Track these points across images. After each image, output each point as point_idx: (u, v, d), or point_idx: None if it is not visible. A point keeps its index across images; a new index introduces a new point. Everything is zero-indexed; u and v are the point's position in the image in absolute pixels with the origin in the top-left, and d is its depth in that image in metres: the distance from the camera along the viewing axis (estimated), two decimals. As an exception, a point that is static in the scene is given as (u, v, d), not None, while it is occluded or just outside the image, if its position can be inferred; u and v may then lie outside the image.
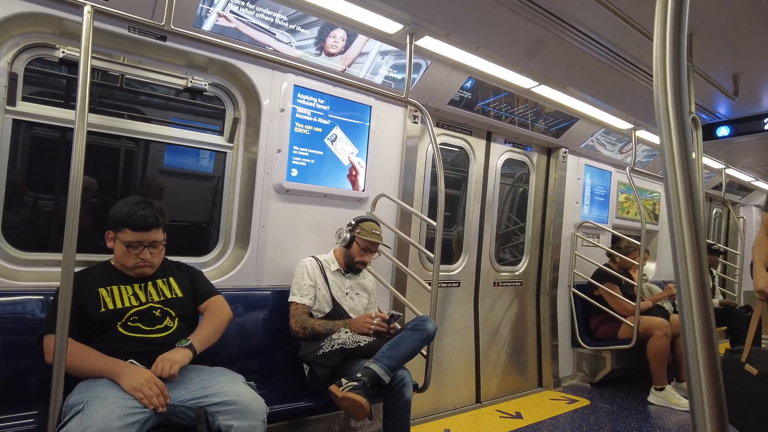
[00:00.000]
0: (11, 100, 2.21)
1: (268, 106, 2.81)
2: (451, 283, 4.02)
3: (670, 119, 0.70)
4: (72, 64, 2.32)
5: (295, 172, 2.91)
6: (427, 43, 2.88)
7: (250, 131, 2.86)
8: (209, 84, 2.71)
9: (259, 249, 2.83)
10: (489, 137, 4.26)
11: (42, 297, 2.17)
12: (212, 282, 2.42)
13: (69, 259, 1.61)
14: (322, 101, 3.01)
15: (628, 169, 4.57)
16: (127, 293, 2.05)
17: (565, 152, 4.67)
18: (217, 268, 2.78)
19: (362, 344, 2.43)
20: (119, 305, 2.00)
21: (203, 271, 2.53)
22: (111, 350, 1.88)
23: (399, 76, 3.18)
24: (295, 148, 2.91)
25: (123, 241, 2.02)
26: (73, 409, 1.66)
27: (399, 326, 2.62)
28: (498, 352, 4.36)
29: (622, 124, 4.45)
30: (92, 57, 1.73)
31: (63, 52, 2.27)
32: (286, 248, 2.92)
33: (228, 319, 2.20)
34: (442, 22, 2.70)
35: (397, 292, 3.11)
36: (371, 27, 2.73)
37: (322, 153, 3.02)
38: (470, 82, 3.47)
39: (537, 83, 3.53)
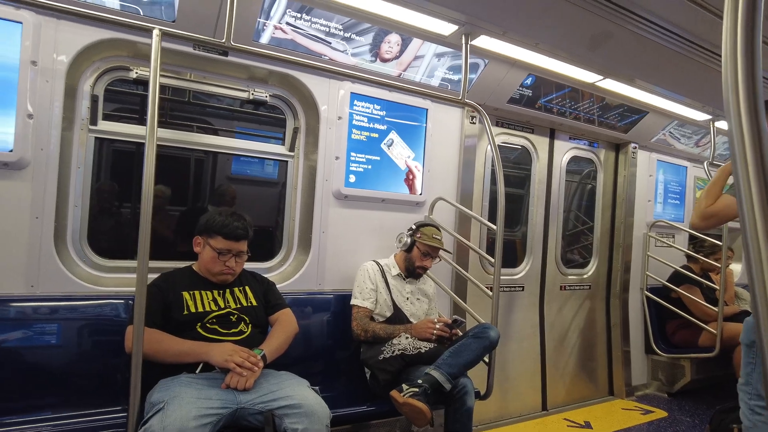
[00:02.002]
0: (94, 120, 2.41)
1: (326, 115, 2.87)
2: (515, 287, 3.91)
3: (740, 103, 0.63)
4: (144, 83, 2.48)
5: (353, 178, 2.95)
6: (484, 42, 2.83)
7: (309, 140, 2.93)
8: (270, 95, 2.81)
9: (320, 254, 2.89)
10: (552, 134, 4.11)
11: (122, 301, 2.34)
12: (278, 286, 2.52)
13: (143, 263, 1.73)
14: (378, 107, 3.03)
15: (706, 163, 4.26)
16: (208, 298, 2.19)
17: (635, 148, 4.42)
18: (281, 273, 2.87)
19: (423, 351, 2.41)
20: (200, 309, 2.14)
21: (268, 276, 2.63)
22: None
23: (456, 78, 3.14)
24: (353, 154, 2.95)
25: (214, 247, 2.17)
26: (155, 407, 1.79)
27: (460, 332, 2.58)
28: (565, 358, 4.19)
29: (699, 116, 4.15)
30: (162, 75, 1.85)
31: (137, 72, 2.43)
32: (346, 253, 2.96)
33: (295, 333, 2.31)
34: (498, 20, 2.64)
35: (457, 297, 3.07)
36: (426, 30, 2.72)
37: (378, 158, 3.04)
38: (530, 78, 3.37)
39: (601, 77, 3.37)
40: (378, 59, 2.85)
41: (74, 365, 2.19)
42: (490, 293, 2.67)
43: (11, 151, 2.12)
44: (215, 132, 2.96)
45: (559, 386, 4.10)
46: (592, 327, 4.41)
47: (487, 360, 2.62)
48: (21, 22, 2.11)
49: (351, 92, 2.91)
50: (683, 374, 4.21)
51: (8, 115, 2.11)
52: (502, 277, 2.69)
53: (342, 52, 2.74)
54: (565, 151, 4.21)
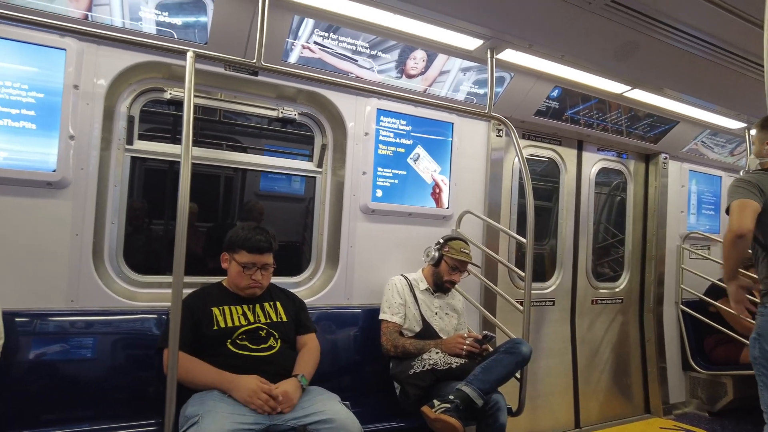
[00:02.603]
0: (130, 140, 2.50)
1: (353, 131, 2.91)
2: (545, 301, 3.84)
3: None
4: (177, 103, 2.57)
5: (379, 193, 2.97)
6: (509, 55, 2.84)
7: (337, 155, 2.97)
8: (299, 113, 2.86)
9: (347, 268, 2.90)
10: (580, 146, 4.06)
11: (156, 316, 2.39)
12: (305, 301, 2.55)
13: (178, 280, 1.75)
14: (404, 122, 3.06)
15: (742, 172, 4.13)
16: (237, 313, 2.21)
17: (666, 158, 4.33)
18: (310, 287, 2.89)
19: (454, 366, 2.39)
20: (230, 324, 2.17)
21: (296, 291, 2.66)
22: (221, 365, 2.05)
23: (481, 91, 3.15)
24: (380, 169, 2.98)
25: (239, 262, 2.22)
26: (189, 420, 1.83)
27: (491, 348, 2.54)
28: (598, 374, 4.08)
29: (733, 124, 4.05)
30: (195, 95, 1.90)
31: (170, 93, 2.52)
32: (374, 267, 2.97)
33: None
34: (524, 33, 2.65)
35: (486, 312, 3.03)
36: (451, 45, 2.75)
37: (405, 173, 3.06)
38: (557, 91, 3.35)
39: (629, 87, 3.34)
40: (404, 75, 2.89)
41: (110, 378, 2.24)
42: (521, 308, 2.63)
43: (54, 171, 2.21)
44: (244, 150, 3.03)
45: (592, 403, 3.98)
46: (626, 342, 4.29)
47: (518, 376, 2.57)
48: (65, 49, 2.22)
49: (377, 108, 2.95)
50: (725, 392, 4.03)
51: (52, 137, 2.21)
52: (532, 292, 2.64)
53: (368, 69, 2.78)
54: (594, 163, 4.15)
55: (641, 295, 4.38)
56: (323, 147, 2.96)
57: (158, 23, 2.31)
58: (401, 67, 2.85)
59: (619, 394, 4.16)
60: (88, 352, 2.24)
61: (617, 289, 4.30)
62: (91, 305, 2.31)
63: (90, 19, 2.21)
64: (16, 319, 2.11)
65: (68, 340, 2.22)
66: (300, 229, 3.25)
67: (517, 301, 2.75)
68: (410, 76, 2.90)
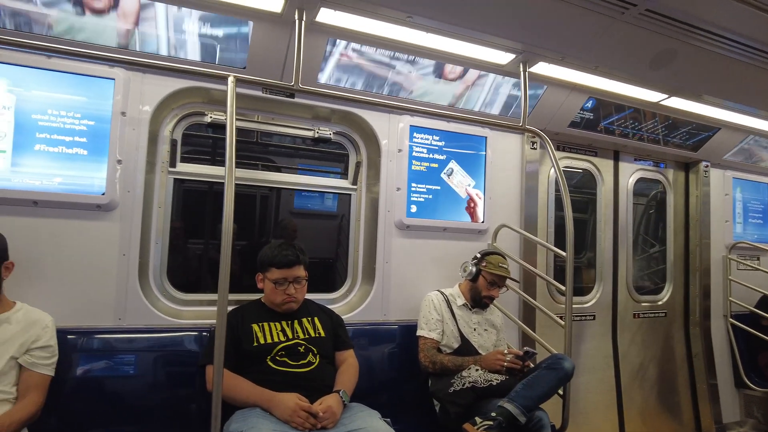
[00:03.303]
0: (173, 162, 2.61)
1: (386, 148, 2.94)
2: (585, 316, 3.75)
3: None
4: (217, 126, 2.67)
5: (414, 209, 2.98)
6: (542, 68, 2.83)
7: (371, 173, 3.01)
8: (333, 133, 2.92)
9: (384, 284, 2.91)
10: (617, 156, 3.99)
11: (197, 333, 2.45)
12: (343, 317, 2.57)
13: (223, 298, 1.79)
14: (437, 137, 3.08)
15: None
16: (276, 329, 2.25)
17: (707, 166, 4.20)
18: (347, 303, 2.91)
19: (494, 383, 2.35)
20: (269, 340, 2.20)
21: (333, 307, 2.69)
22: (262, 381, 2.08)
23: (515, 103, 3.14)
24: (414, 184, 3.00)
25: (271, 279, 2.27)
26: None
27: (532, 364, 2.49)
28: (643, 391, 3.93)
29: (780, 128, 3.90)
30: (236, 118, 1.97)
31: (211, 117, 2.62)
32: (410, 283, 2.97)
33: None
34: (556, 46, 2.64)
35: (526, 327, 2.98)
36: (483, 61, 2.76)
37: (439, 188, 3.06)
38: (591, 102, 3.32)
39: (666, 96, 3.26)
40: (442, 79, 2.90)
41: (154, 395, 2.30)
42: (562, 322, 2.57)
43: (103, 194, 2.31)
44: (278, 169, 3.10)
45: (638, 421, 3.83)
46: (671, 357, 4.13)
47: (561, 392, 2.51)
48: (114, 79, 2.34)
49: (410, 125, 2.98)
50: (784, 410, 3.83)
51: (102, 161, 2.32)
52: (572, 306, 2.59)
53: (407, 74, 2.80)
54: (631, 173, 4.06)
55: (686, 309, 4.22)
56: (358, 164, 3.00)
57: (199, 50, 2.41)
58: (440, 72, 2.86)
59: (666, 413, 3.99)
60: (134, 369, 2.30)
61: (660, 302, 4.15)
62: (137, 323, 2.38)
63: (136, 48, 2.33)
64: (68, 336, 2.19)
65: (116, 356, 2.29)
66: (333, 245, 3.28)
67: (557, 316, 2.69)
68: (449, 80, 2.92)
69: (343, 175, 3.09)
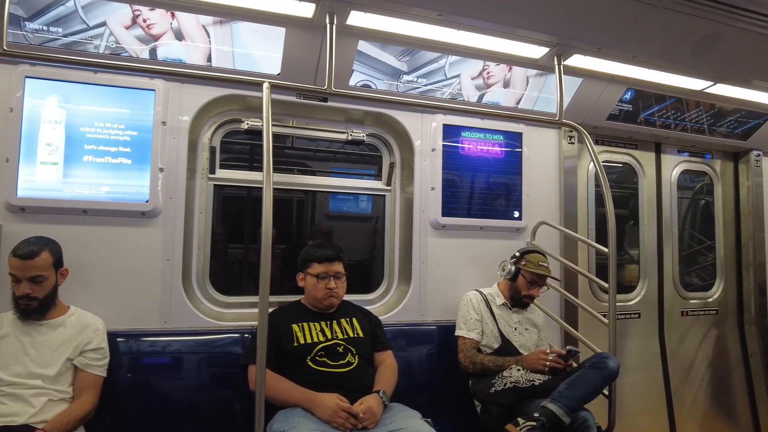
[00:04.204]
0: (212, 169, 2.69)
1: (419, 148, 2.93)
2: (630, 314, 3.63)
3: None
4: (253, 133, 2.72)
5: (449, 208, 2.96)
6: (577, 61, 2.77)
7: (405, 173, 3.01)
8: (367, 134, 2.94)
9: (421, 284, 2.90)
10: (658, 149, 3.85)
11: (238, 335, 2.50)
12: (380, 318, 2.58)
13: (264, 299, 1.82)
14: (471, 135, 3.04)
15: None
16: (315, 329, 2.28)
17: (758, 155, 4.00)
18: (384, 304, 2.91)
19: (536, 383, 2.31)
20: (309, 340, 2.23)
21: (371, 308, 2.71)
22: (302, 381, 2.11)
23: (551, 98, 3.08)
24: (448, 184, 2.97)
25: (312, 274, 2.32)
26: None
27: (575, 364, 2.43)
28: (694, 392, 3.77)
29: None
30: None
31: (247, 123, 2.68)
32: (447, 283, 2.95)
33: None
34: (591, 37, 2.58)
35: (568, 326, 2.91)
36: (515, 55, 2.73)
37: (475, 186, 3.03)
38: (629, 93, 3.23)
39: (711, 83, 3.14)
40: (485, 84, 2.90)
41: (198, 395, 2.37)
42: (606, 321, 2.50)
43: (147, 201, 2.40)
44: (313, 172, 3.14)
45: (690, 424, 3.68)
46: (724, 357, 3.94)
47: (606, 392, 2.44)
48: (154, 90, 2.43)
49: (443, 124, 2.96)
50: None
51: (145, 170, 2.41)
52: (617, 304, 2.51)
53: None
54: (674, 166, 3.91)
55: (739, 306, 4.02)
56: (391, 165, 3.01)
57: (234, 59, 2.48)
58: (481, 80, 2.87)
59: (722, 415, 3.81)
60: (180, 370, 2.39)
61: (710, 299, 3.98)
62: (181, 325, 2.46)
63: (173, 59, 2.42)
64: (117, 339, 2.27)
65: (162, 358, 2.38)
66: (369, 247, 3.29)
67: (600, 314, 2.62)
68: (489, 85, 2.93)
69: (377, 176, 3.10)
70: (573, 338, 2.91)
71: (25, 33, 2.21)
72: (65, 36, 2.26)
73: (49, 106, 2.30)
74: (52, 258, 2.00)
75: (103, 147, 2.36)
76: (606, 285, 2.52)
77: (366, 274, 3.21)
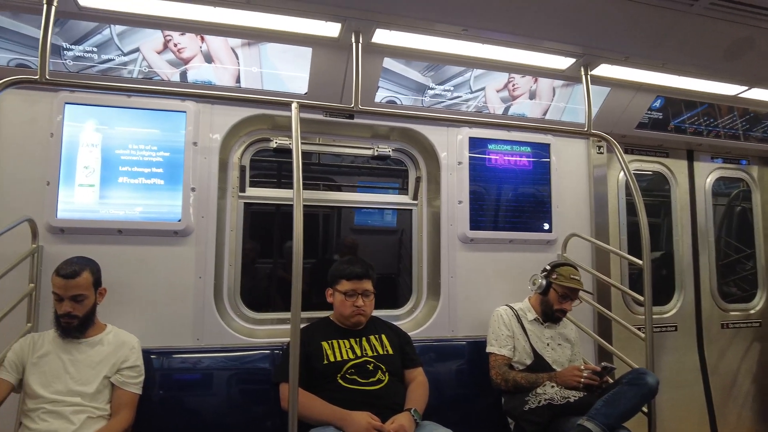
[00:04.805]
0: (242, 188, 2.73)
1: (446, 161, 2.93)
2: (667, 326, 3.52)
3: None
4: (281, 151, 2.76)
5: (477, 221, 2.93)
6: (604, 70, 2.74)
7: (431, 187, 3.00)
8: (392, 150, 2.96)
9: (450, 299, 2.87)
10: (690, 156, 3.76)
11: (269, 351, 2.51)
12: (409, 334, 2.56)
13: (296, 316, 1.83)
14: (498, 147, 3.03)
15: None
16: (345, 347, 2.28)
17: (798, 159, 3.86)
18: (413, 320, 2.90)
19: (572, 400, 2.25)
20: (339, 357, 2.23)
21: (399, 323, 2.69)
22: (333, 399, 2.11)
23: (579, 107, 3.04)
24: (475, 197, 2.95)
25: (341, 291, 2.32)
26: None
27: (611, 380, 2.36)
28: (739, 409, 3.61)
29: None
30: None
31: (276, 142, 2.72)
32: (477, 297, 2.91)
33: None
34: (619, 46, 2.55)
35: (602, 340, 2.84)
36: (541, 67, 2.71)
37: (502, 198, 3.00)
38: (659, 101, 3.17)
39: (746, 87, 3.05)
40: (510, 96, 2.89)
41: (231, 411, 2.38)
42: (642, 335, 2.43)
43: (179, 220, 2.45)
44: (338, 188, 3.17)
45: (737, 443, 3.52)
46: (770, 372, 3.77)
47: (646, 409, 2.36)
48: (185, 111, 2.50)
49: (469, 137, 2.95)
50: None
51: (177, 190, 2.47)
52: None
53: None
54: (708, 173, 3.81)
55: (784, 318, 3.86)
56: (417, 180, 3.01)
57: (262, 80, 2.53)
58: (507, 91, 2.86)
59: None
60: (212, 387, 2.41)
61: (752, 311, 3.83)
62: (213, 342, 2.49)
63: (203, 81, 2.48)
64: (151, 356, 2.31)
65: (195, 375, 2.41)
66: (395, 261, 3.29)
67: (635, 327, 2.55)
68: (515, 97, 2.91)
69: (402, 190, 3.10)
70: (607, 353, 2.84)
71: (64, 61, 2.30)
72: (102, 63, 2.34)
73: (87, 130, 2.39)
74: (93, 278, 2.06)
75: (137, 168, 2.43)
76: (641, 298, 2.45)
77: (392, 288, 3.20)
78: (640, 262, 2.43)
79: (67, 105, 2.37)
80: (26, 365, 1.97)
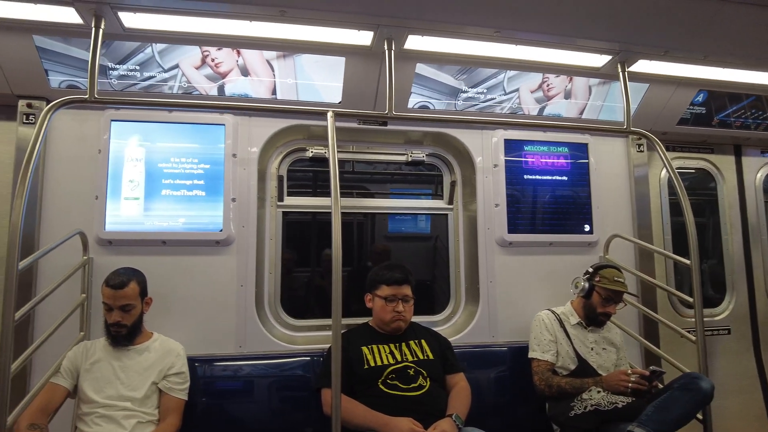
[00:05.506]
0: (280, 197, 2.79)
1: (481, 164, 2.91)
2: (719, 329, 3.36)
3: None
4: (317, 160, 2.81)
5: (516, 224, 2.89)
6: (642, 66, 2.67)
7: (466, 191, 2.98)
8: (426, 155, 2.95)
9: (489, 304, 2.83)
10: (738, 151, 3.61)
11: (309, 357, 2.54)
12: (450, 339, 2.53)
13: (337, 322, 1.84)
14: (534, 148, 2.98)
15: None
16: (385, 352, 2.28)
17: None
18: (452, 325, 2.87)
19: (620, 405, 2.18)
20: (379, 362, 2.23)
21: (439, 329, 2.68)
22: (374, 405, 2.11)
23: (617, 105, 2.97)
24: (513, 199, 2.91)
25: (381, 296, 2.33)
26: None
27: (661, 385, 2.28)
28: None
29: None
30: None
31: (312, 151, 2.77)
32: (517, 302, 2.86)
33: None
34: (657, 40, 2.48)
35: (650, 344, 2.74)
36: (576, 66, 2.66)
37: (540, 200, 2.95)
38: (701, 95, 3.06)
39: (797, 75, 2.90)
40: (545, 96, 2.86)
41: (274, 418, 2.42)
42: (693, 338, 2.33)
43: (221, 230, 2.51)
44: (371, 195, 3.18)
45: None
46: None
47: (701, 416, 2.25)
48: (224, 124, 2.57)
49: (504, 139, 2.92)
50: None
51: (218, 201, 2.54)
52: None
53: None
54: (759, 168, 3.64)
55: None
56: (452, 184, 3.00)
57: (297, 90, 2.58)
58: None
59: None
60: (255, 394, 2.45)
61: (815, 312, 3.61)
62: (255, 350, 2.54)
63: (240, 94, 2.55)
64: (195, 364, 2.37)
65: (238, 382, 2.45)
66: (430, 267, 3.27)
67: (685, 330, 2.45)
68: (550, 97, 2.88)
69: (436, 195, 3.09)
70: (655, 357, 2.74)
71: (110, 81, 2.41)
72: (144, 80, 2.44)
73: (131, 145, 2.49)
74: (139, 288, 2.13)
75: (179, 181, 2.52)
76: (690, 299, 2.36)
77: (428, 294, 3.18)
78: (688, 262, 2.34)
79: (112, 122, 2.48)
80: (80, 371, 2.06)
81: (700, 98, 3.09)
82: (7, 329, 1.58)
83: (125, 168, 2.48)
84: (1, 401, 1.56)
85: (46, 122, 1.83)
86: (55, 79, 2.38)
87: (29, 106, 2.43)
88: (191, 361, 2.30)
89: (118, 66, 2.39)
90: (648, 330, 2.98)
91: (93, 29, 2.02)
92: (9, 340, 1.58)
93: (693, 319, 2.35)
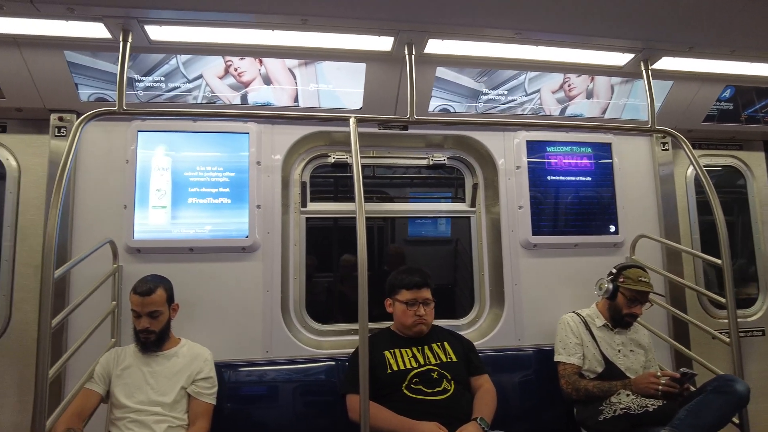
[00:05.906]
0: (304, 203, 2.82)
1: (503, 166, 2.89)
2: (751, 331, 3.27)
3: None
4: (339, 166, 2.83)
5: (540, 226, 2.86)
6: (666, 63, 2.63)
7: (489, 193, 2.97)
8: (448, 158, 2.95)
9: (515, 307, 2.81)
10: (768, 147, 3.52)
11: (334, 362, 2.55)
12: (474, 343, 2.51)
13: (364, 327, 1.85)
14: (557, 149, 2.95)
15: None
16: (408, 355, 2.27)
17: None
18: (477, 329, 2.85)
19: (650, 409, 2.15)
20: (402, 366, 2.23)
21: (464, 333, 2.66)
22: (399, 410, 2.10)
23: (640, 103, 2.93)
24: (536, 201, 2.89)
25: (401, 301, 2.32)
26: None
27: (693, 388, 2.23)
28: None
29: None
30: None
31: (333, 157, 2.80)
32: (543, 305, 2.83)
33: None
34: (681, 36, 2.43)
35: (680, 345, 2.68)
36: (598, 65, 2.63)
37: (565, 201, 2.92)
38: (728, 90, 2.99)
39: (827, 69, 2.82)
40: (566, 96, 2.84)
41: (297, 423, 2.43)
42: (727, 339, 2.27)
43: (247, 237, 2.55)
44: (391, 199, 3.19)
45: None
46: None
47: (737, 420, 2.19)
48: (248, 133, 2.61)
49: (526, 140, 2.90)
50: None
51: (243, 208, 2.58)
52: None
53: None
54: (790, 164, 3.54)
55: None
56: (474, 186, 2.99)
57: (319, 97, 2.61)
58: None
59: None
60: (282, 399, 2.48)
61: None
62: (282, 355, 2.56)
63: (263, 102, 2.58)
64: (222, 369, 2.40)
65: (265, 387, 2.48)
66: (451, 271, 3.26)
67: (717, 332, 2.39)
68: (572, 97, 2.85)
69: (456, 198, 3.08)
70: (686, 359, 2.68)
71: (136, 92, 2.47)
72: (169, 91, 2.50)
73: (158, 155, 2.55)
74: (166, 294, 2.18)
75: (205, 189, 2.56)
76: (722, 299, 2.30)
77: (450, 299, 3.17)
78: (719, 261, 2.29)
79: (139, 133, 2.54)
80: (112, 377, 2.11)
81: (726, 94, 3.03)
82: (44, 336, 1.63)
83: (152, 177, 2.53)
84: (41, 405, 1.60)
85: (78, 134, 1.89)
86: (85, 93, 2.45)
87: (60, 119, 2.51)
88: (218, 366, 2.32)
89: (144, 78, 2.45)
90: (678, 331, 2.92)
91: (121, 43, 2.08)
92: (47, 346, 1.63)
93: (724, 320, 2.30)
